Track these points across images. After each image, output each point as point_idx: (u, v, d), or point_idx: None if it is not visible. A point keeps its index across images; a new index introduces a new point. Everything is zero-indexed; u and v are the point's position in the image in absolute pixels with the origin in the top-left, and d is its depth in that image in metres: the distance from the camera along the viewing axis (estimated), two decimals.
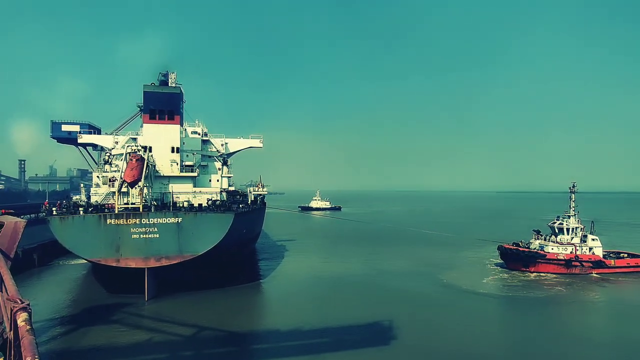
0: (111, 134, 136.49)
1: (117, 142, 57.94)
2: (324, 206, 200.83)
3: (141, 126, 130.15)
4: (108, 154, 56.32)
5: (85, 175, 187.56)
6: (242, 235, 53.26)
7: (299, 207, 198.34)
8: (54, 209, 45.70)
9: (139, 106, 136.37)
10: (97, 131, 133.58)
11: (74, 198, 56.56)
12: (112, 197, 51.20)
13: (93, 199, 51.02)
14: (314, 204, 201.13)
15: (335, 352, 31.13)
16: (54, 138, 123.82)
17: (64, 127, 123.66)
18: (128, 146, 47.26)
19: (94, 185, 52.69)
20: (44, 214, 52.68)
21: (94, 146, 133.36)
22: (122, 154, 56.57)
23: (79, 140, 63.10)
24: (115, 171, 53.68)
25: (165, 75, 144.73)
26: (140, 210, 44.14)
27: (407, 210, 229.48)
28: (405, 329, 35.73)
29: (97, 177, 52.87)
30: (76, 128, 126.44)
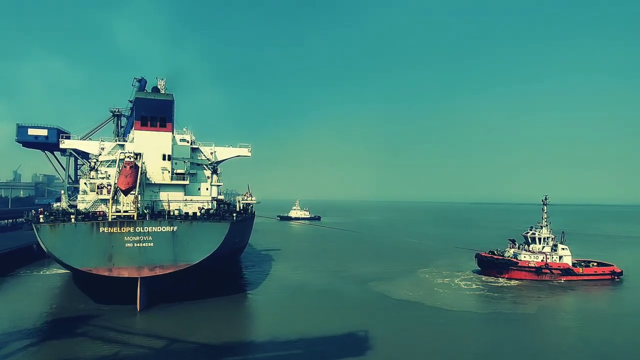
0: (82, 138, 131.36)
1: (103, 149, 56.67)
2: (304, 216, 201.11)
3: (117, 134, 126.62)
4: (95, 160, 55.00)
5: (52, 181, 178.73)
6: (234, 245, 53.43)
7: (278, 216, 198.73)
8: (41, 216, 44.19)
9: (111, 111, 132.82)
10: (67, 136, 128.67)
11: (55, 205, 54.70)
12: (102, 204, 50.18)
13: (81, 206, 49.68)
14: (293, 214, 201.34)
15: None
16: (19, 142, 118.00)
17: (31, 131, 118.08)
18: (121, 153, 46.60)
19: (80, 192, 51.27)
20: (28, 220, 50.69)
21: (63, 151, 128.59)
22: (108, 161, 55.52)
23: (61, 146, 61.12)
24: (103, 178, 52.59)
25: (141, 81, 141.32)
26: (135, 218, 43.60)
27: (385, 220, 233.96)
28: (381, 338, 35.91)
29: (85, 183, 51.52)
30: (44, 132, 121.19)
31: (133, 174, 44.10)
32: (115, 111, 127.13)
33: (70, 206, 53.95)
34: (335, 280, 60.69)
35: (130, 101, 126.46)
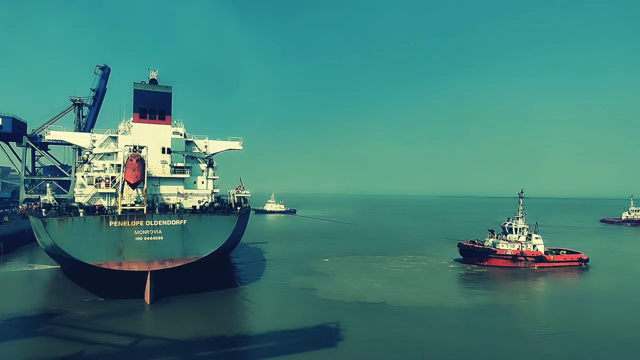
0: (41, 128, 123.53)
1: (94, 141, 54.55)
2: (279, 209, 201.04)
3: (79, 124, 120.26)
4: (87, 153, 52.94)
5: (7, 173, 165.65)
6: (237, 238, 53.72)
7: (253, 209, 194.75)
8: (43, 210, 42.24)
9: (72, 100, 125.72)
10: (24, 125, 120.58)
11: (42, 199, 52.14)
12: (100, 198, 48.71)
13: (79, 200, 47.88)
14: (268, 207, 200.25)
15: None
16: None
17: None
18: (126, 146, 45.40)
19: (78, 186, 49.29)
20: (29, 214, 47.94)
21: (19, 142, 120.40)
22: (101, 154, 53.72)
23: (46, 137, 57.87)
24: (99, 171, 50.89)
25: (104, 69, 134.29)
26: (144, 212, 42.92)
27: (361, 213, 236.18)
28: (358, 329, 35.97)
29: (82, 177, 49.56)
30: None
31: (140, 167, 43.34)
32: (76, 100, 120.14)
33: (58, 200, 51.67)
34: (315, 272, 60.55)
35: (93, 89, 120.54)
